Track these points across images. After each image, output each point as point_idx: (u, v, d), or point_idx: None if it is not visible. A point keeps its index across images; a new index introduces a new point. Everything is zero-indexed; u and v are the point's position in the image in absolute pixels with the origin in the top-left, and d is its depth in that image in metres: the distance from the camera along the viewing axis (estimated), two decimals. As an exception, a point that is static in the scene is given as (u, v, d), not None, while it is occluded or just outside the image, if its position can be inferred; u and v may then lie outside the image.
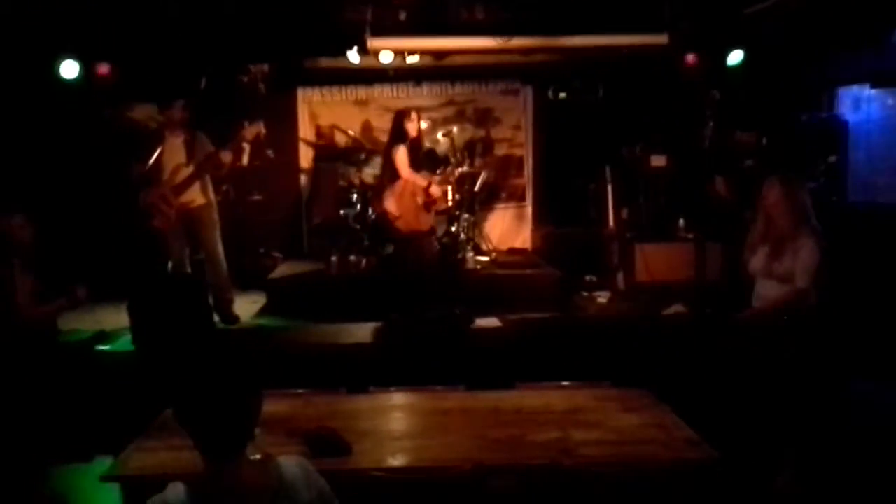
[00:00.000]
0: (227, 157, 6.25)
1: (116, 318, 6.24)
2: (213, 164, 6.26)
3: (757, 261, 4.40)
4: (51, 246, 4.95)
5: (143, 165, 6.07)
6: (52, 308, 4.72)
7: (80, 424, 4.44)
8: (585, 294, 7.39)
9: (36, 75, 6.77)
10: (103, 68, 7.20)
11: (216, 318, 6.28)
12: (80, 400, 4.66)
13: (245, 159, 6.74)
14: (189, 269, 6.39)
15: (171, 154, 6.23)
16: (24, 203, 4.82)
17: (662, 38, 6.53)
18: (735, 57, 7.04)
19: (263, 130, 6.49)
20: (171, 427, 2.72)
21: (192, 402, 2.04)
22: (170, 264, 6.33)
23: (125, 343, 5.67)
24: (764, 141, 7.35)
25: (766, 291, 4.38)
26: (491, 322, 6.33)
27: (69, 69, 6.99)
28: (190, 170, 6.22)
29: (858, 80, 7.27)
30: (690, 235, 7.40)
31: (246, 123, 6.47)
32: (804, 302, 4.21)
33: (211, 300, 6.19)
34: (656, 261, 7.34)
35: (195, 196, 6.27)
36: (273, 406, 3.22)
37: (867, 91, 7.44)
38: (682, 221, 7.69)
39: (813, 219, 4.27)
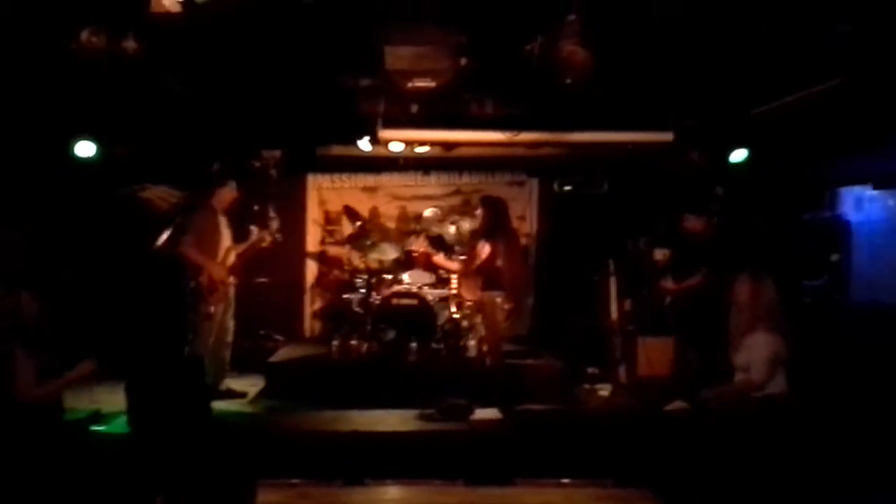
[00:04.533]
0: (267, 239, 6.62)
1: (113, 398, 6.18)
2: (257, 246, 6.60)
3: (731, 351, 4.72)
4: (57, 323, 4.95)
5: (163, 244, 6.22)
6: (55, 385, 4.68)
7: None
8: (587, 386, 7.31)
9: (52, 154, 6.91)
10: (120, 150, 7.34)
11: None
12: (74, 481, 4.58)
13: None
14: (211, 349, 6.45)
15: (224, 233, 6.46)
16: (35, 278, 4.85)
17: (667, 136, 6.65)
18: (739, 155, 7.15)
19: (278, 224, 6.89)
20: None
21: (183, 491, 2.01)
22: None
23: (121, 425, 5.59)
24: (768, 237, 7.42)
25: (738, 381, 4.68)
26: (491, 413, 6.26)
27: (85, 149, 7.12)
28: (234, 252, 6.48)
29: (860, 180, 7.38)
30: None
31: (270, 209, 6.88)
32: (754, 390, 4.47)
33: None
34: (658, 354, 7.28)
35: (232, 278, 6.51)
36: (266, 496, 3.17)
37: (869, 192, 7.55)
38: (683, 316, 7.67)
39: (776, 315, 4.57)
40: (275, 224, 6.81)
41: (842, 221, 7.64)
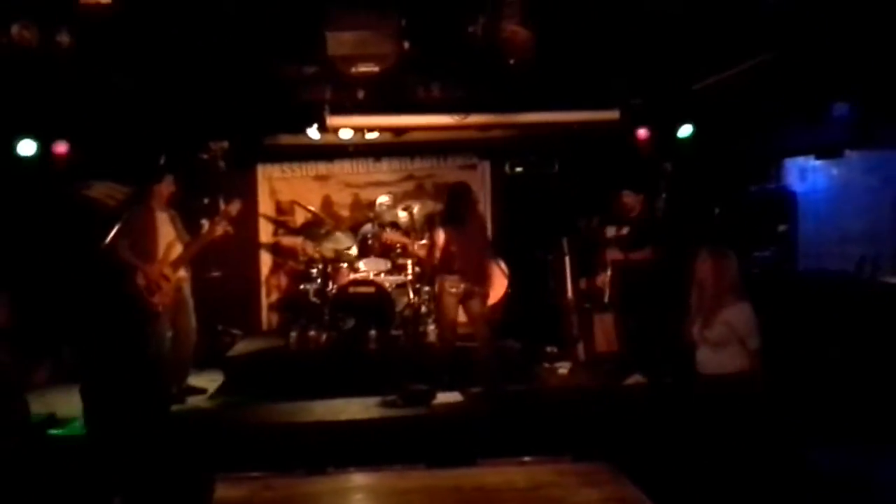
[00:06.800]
0: (223, 226, 6.46)
1: (69, 401, 6.08)
2: (208, 238, 6.47)
3: (694, 329, 4.59)
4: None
5: (110, 242, 6.10)
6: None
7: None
8: (546, 365, 7.39)
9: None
10: (61, 147, 7.17)
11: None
12: (30, 485, 4.51)
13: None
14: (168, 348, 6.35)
15: (164, 230, 6.32)
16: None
17: (614, 114, 6.71)
18: (684, 131, 7.25)
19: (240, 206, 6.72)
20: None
21: (140, 490, 1.99)
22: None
23: (77, 428, 5.50)
24: (717, 211, 7.54)
25: (703, 357, 4.56)
26: (453, 396, 6.30)
27: (26, 147, 6.94)
28: (180, 246, 6.35)
29: (803, 151, 7.53)
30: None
31: (221, 201, 6.79)
32: (756, 358, 4.36)
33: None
34: (615, 331, 7.37)
35: (182, 272, 6.37)
36: (229, 490, 3.14)
37: (812, 162, 7.71)
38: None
39: (741, 287, 4.49)
40: (234, 208, 6.64)
41: (787, 192, 7.81)
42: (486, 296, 6.53)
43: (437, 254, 6.49)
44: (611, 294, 7.20)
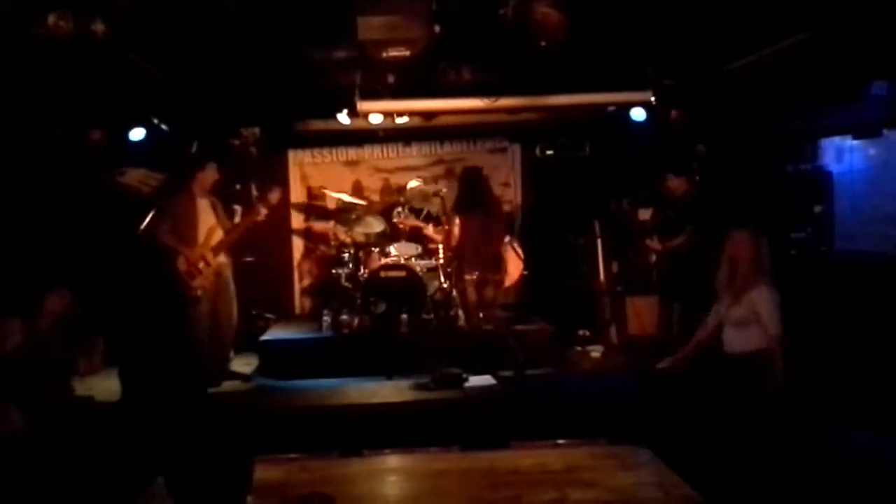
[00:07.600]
0: (262, 212, 6.56)
1: (107, 384, 6.19)
2: (248, 223, 6.56)
3: (721, 307, 4.65)
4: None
5: (148, 226, 6.18)
6: None
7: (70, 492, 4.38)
8: (579, 349, 7.38)
9: (28, 142, 6.82)
10: (96, 134, 7.25)
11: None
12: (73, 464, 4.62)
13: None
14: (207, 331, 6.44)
15: (204, 216, 6.41)
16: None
17: (647, 96, 6.64)
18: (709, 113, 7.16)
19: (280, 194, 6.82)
20: (162, 497, 2.69)
21: (181, 472, 2.03)
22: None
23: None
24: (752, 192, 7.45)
25: (727, 336, 4.61)
26: (485, 380, 6.31)
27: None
28: (220, 231, 6.44)
29: (840, 131, 7.39)
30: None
31: (253, 187, 6.98)
32: (780, 346, 4.37)
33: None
34: (647, 314, 7.34)
35: (222, 257, 6.49)
36: (266, 472, 3.19)
37: (849, 142, 7.57)
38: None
39: (771, 272, 4.52)
40: (275, 196, 6.72)
41: (823, 173, 7.67)
42: (499, 283, 6.61)
43: (453, 241, 6.53)
44: (652, 278, 7.17)
